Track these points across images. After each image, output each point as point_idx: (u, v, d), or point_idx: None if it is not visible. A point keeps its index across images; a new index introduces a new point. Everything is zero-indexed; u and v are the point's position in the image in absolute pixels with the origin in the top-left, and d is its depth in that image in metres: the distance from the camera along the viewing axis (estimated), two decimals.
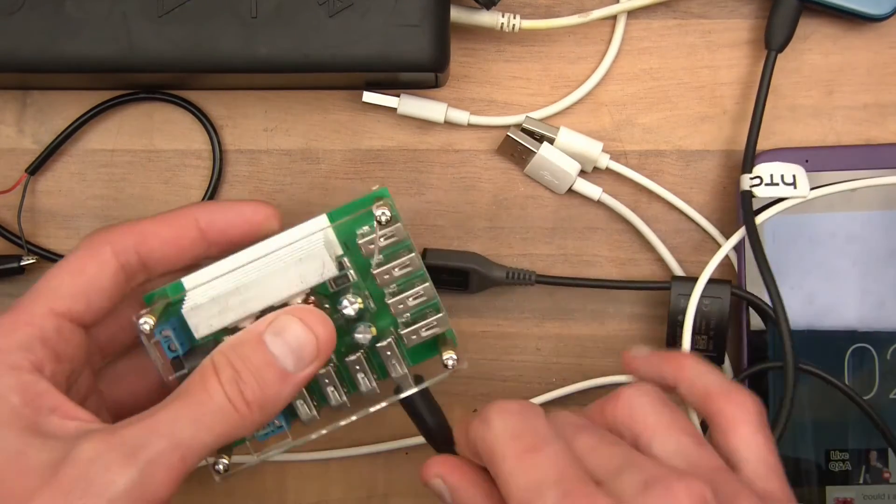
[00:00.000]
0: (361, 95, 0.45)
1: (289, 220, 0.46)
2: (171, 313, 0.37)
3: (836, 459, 0.45)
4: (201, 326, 0.36)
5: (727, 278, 0.45)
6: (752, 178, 0.44)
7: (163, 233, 0.37)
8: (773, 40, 0.44)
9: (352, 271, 0.38)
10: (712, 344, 0.45)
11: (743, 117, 0.46)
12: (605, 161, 0.46)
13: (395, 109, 0.45)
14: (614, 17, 0.46)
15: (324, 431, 0.38)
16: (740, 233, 0.44)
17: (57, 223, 0.47)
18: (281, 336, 0.34)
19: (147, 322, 0.36)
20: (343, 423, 0.38)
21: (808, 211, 0.45)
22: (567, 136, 0.45)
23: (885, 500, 0.45)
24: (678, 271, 0.46)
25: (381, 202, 0.37)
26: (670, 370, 0.37)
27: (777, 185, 0.44)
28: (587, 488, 0.30)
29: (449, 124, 0.46)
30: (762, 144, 0.46)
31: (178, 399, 0.33)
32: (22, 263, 0.46)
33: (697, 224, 0.46)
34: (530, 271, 0.45)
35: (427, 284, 0.38)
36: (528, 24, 0.44)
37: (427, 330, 0.39)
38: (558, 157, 0.45)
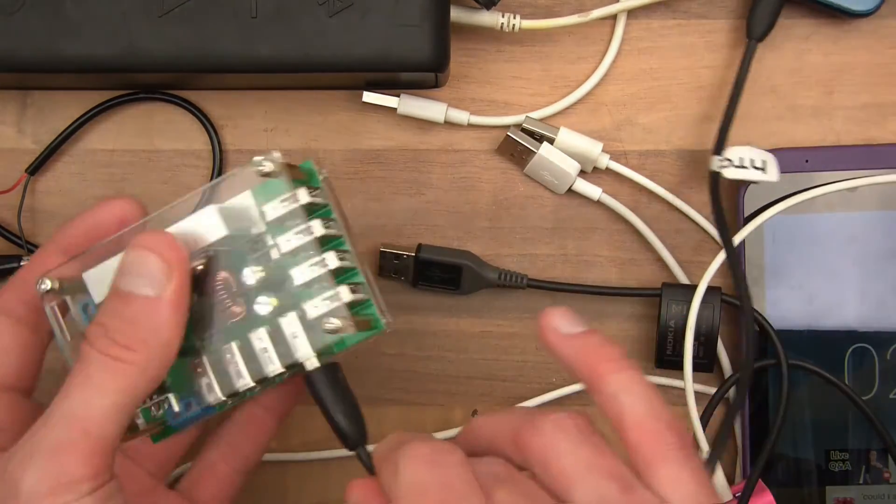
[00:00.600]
0: (361, 95, 0.45)
1: None
2: (77, 289, 0.35)
3: (837, 459, 0.45)
4: (102, 291, 0.33)
5: (719, 284, 0.45)
6: (721, 160, 0.44)
7: (37, 269, 0.35)
8: (754, 29, 0.45)
9: (255, 228, 0.33)
10: (702, 350, 0.45)
11: (742, 117, 0.46)
12: (605, 161, 0.46)
13: (395, 109, 0.45)
14: (614, 17, 0.46)
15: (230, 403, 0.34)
16: (738, 237, 0.44)
17: (57, 223, 0.47)
18: (125, 272, 0.32)
19: (46, 283, 0.34)
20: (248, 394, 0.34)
21: (808, 211, 0.45)
22: (567, 136, 0.45)
23: (885, 500, 0.45)
24: (678, 271, 0.46)
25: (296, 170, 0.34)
26: (588, 374, 0.32)
27: (746, 168, 0.44)
28: None
29: (449, 124, 0.46)
30: (762, 144, 0.46)
31: (66, 381, 0.32)
32: (22, 263, 0.46)
33: (697, 224, 0.46)
34: (522, 274, 0.45)
35: (348, 251, 0.34)
36: (528, 24, 0.44)
37: (334, 301, 0.33)
38: (558, 157, 0.45)
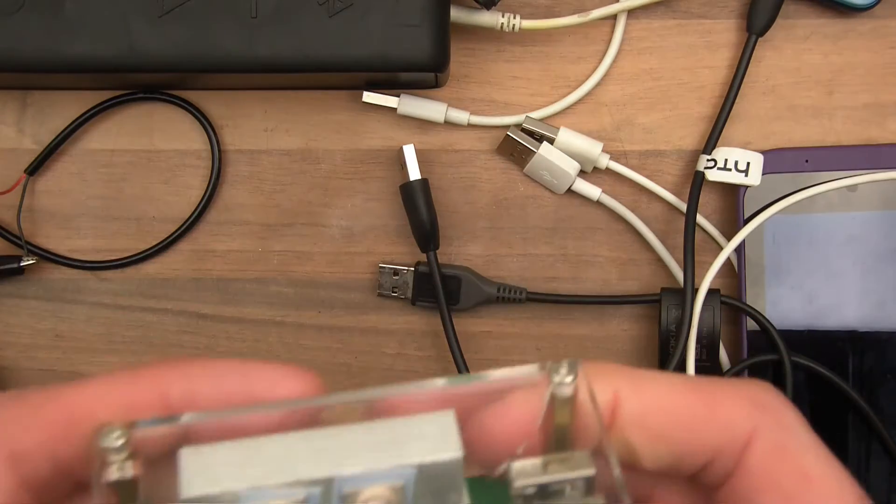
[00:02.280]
0: (361, 95, 0.45)
1: (289, 219, 0.47)
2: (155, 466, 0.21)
3: None
4: (196, 481, 0.20)
5: (719, 286, 0.45)
6: (708, 160, 0.44)
7: (99, 405, 0.21)
8: (754, 24, 0.45)
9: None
10: (706, 353, 0.45)
11: (742, 117, 0.46)
12: (605, 161, 0.46)
13: (395, 109, 0.45)
14: (614, 17, 0.46)
15: None
16: (738, 237, 0.44)
17: (57, 223, 0.47)
18: None
19: (116, 436, 0.20)
20: None
21: (808, 211, 0.45)
22: (567, 136, 0.45)
23: None
24: (677, 272, 0.46)
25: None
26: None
27: (729, 170, 0.44)
28: None
29: (449, 124, 0.46)
30: (761, 144, 0.46)
31: None
32: (22, 264, 0.46)
33: (697, 224, 0.46)
34: (521, 287, 0.46)
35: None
36: (528, 24, 0.44)
37: None
38: (558, 157, 0.45)
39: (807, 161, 0.45)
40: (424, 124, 0.46)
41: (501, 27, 0.44)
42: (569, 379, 0.21)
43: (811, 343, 0.45)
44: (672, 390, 0.22)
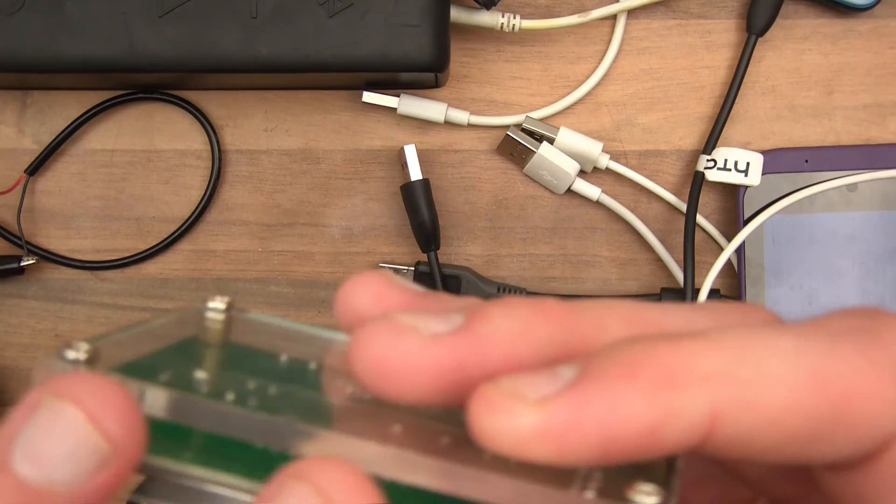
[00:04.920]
0: (361, 95, 0.45)
1: (289, 219, 0.47)
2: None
3: None
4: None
5: (719, 286, 0.45)
6: (708, 160, 0.44)
7: None
8: (754, 24, 0.45)
9: None
10: None
11: (742, 117, 0.46)
12: (604, 161, 0.46)
13: (395, 109, 0.45)
14: (614, 17, 0.46)
15: None
16: (739, 237, 0.44)
17: (57, 223, 0.47)
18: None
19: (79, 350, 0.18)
20: None
21: (808, 211, 0.45)
22: (567, 136, 0.45)
23: None
24: (677, 272, 0.46)
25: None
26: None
27: (729, 170, 0.45)
28: None
29: (449, 124, 0.46)
30: (761, 144, 0.46)
31: None
32: (22, 264, 0.46)
33: (697, 224, 0.46)
34: (521, 288, 0.46)
35: None
36: (528, 24, 0.44)
37: None
38: (558, 157, 0.45)
39: (806, 161, 0.45)
40: (424, 124, 0.46)
41: (501, 27, 0.44)
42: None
43: None
44: (795, 382, 0.16)
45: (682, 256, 0.46)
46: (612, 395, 0.15)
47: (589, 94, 0.46)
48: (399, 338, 0.17)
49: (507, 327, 0.17)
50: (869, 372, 0.16)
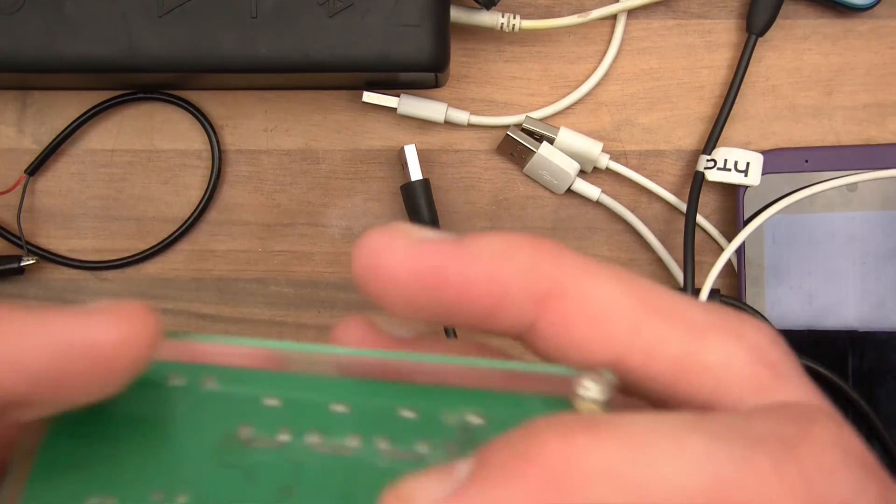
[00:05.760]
0: (361, 95, 0.45)
1: (289, 219, 0.47)
2: None
3: None
4: None
5: (719, 286, 0.45)
6: (708, 160, 0.45)
7: None
8: (754, 24, 0.45)
9: None
10: None
11: (742, 117, 0.46)
12: (604, 161, 0.46)
13: (395, 109, 0.45)
14: (614, 17, 0.46)
15: None
16: (739, 237, 0.44)
17: (57, 223, 0.47)
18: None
19: None
20: None
21: (808, 211, 0.45)
22: (567, 136, 0.46)
23: None
24: (677, 272, 0.46)
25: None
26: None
27: (729, 170, 0.45)
28: None
29: (449, 124, 0.46)
30: (761, 144, 0.46)
31: None
32: (22, 264, 0.46)
33: (697, 224, 0.46)
34: None
35: None
36: (528, 24, 0.44)
37: None
38: (558, 157, 0.45)
39: (806, 161, 0.45)
40: (424, 124, 0.46)
41: (501, 27, 0.44)
42: (599, 397, 0.18)
43: (811, 343, 0.45)
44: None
45: (682, 256, 0.46)
46: (497, 498, 0.15)
47: (589, 94, 0.46)
48: (390, 239, 0.18)
49: (495, 246, 0.18)
50: (777, 488, 0.16)
